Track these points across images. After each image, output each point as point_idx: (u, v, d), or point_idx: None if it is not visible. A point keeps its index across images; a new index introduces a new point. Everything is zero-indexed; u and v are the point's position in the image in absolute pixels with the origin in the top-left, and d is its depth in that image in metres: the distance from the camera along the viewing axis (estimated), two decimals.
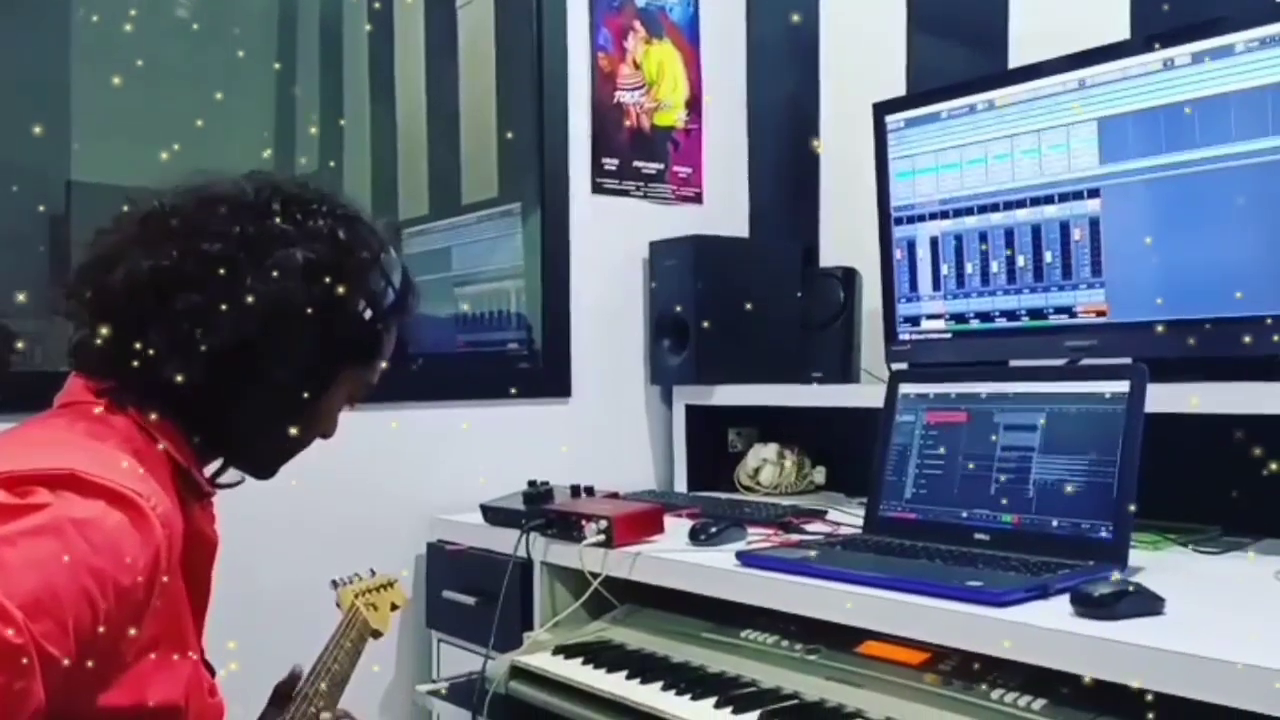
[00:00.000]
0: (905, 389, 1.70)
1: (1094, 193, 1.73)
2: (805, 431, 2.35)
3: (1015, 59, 2.08)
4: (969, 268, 1.92)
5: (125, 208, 1.07)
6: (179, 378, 0.98)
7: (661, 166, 2.53)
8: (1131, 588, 1.19)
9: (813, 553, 1.52)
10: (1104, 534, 1.39)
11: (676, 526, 1.78)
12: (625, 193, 2.48)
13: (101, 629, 0.82)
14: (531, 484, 1.93)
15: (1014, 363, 1.84)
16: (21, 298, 1.74)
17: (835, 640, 1.40)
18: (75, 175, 1.95)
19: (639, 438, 2.49)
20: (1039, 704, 1.18)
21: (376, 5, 2.47)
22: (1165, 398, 1.47)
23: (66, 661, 0.78)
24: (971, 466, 1.56)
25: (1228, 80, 1.57)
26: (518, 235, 2.45)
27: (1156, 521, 1.61)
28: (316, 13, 2.51)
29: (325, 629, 1.50)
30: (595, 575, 1.67)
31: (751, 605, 1.48)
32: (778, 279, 2.37)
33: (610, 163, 2.45)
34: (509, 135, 2.47)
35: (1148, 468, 1.39)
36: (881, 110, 2.05)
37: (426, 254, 2.54)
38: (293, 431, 1.12)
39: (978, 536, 1.51)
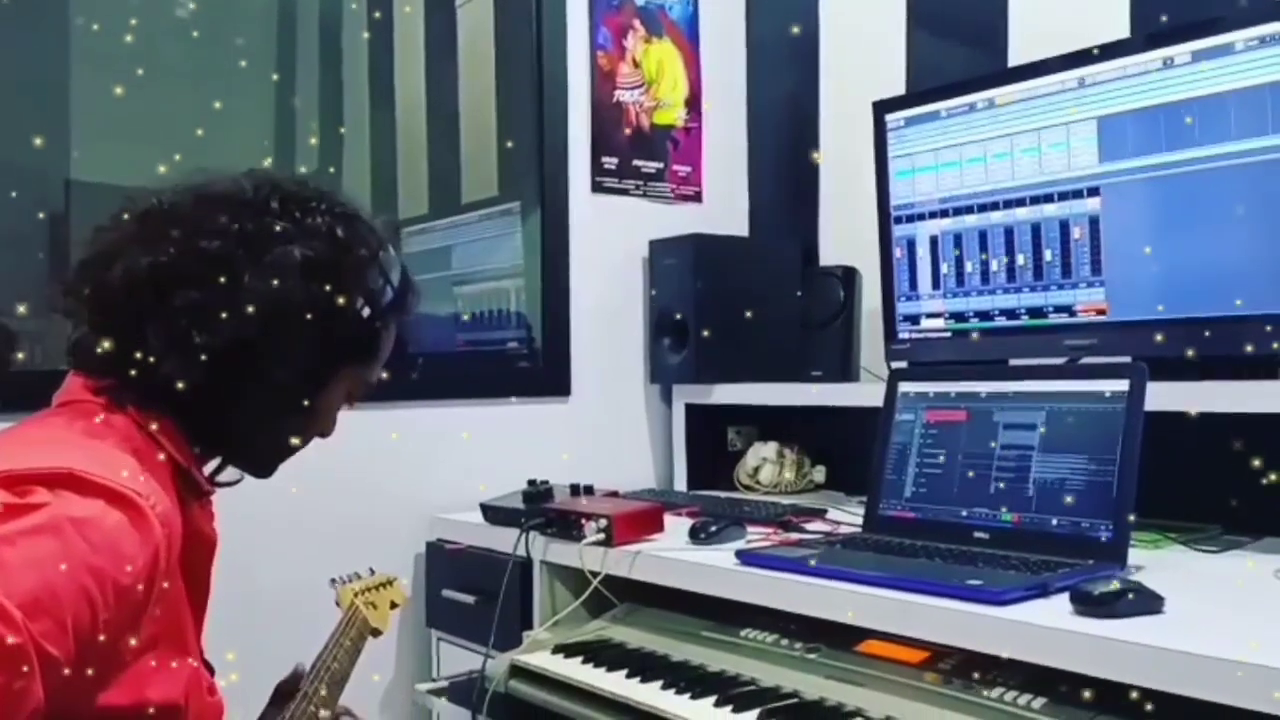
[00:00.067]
0: (905, 388, 1.70)
1: (1094, 191, 1.73)
2: (805, 430, 2.35)
3: (1015, 58, 2.08)
4: (968, 266, 1.92)
5: (125, 206, 1.07)
6: (177, 375, 0.98)
7: (661, 165, 2.53)
8: (1131, 586, 1.19)
9: (812, 552, 1.51)
10: (1104, 533, 1.39)
11: (676, 525, 1.78)
12: (625, 192, 2.48)
13: (101, 628, 0.82)
14: (531, 483, 1.93)
15: (1014, 361, 1.84)
16: (22, 309, 1.74)
17: (835, 639, 1.40)
18: (74, 175, 1.95)
19: (639, 437, 2.49)
20: (1038, 702, 1.18)
21: (377, 15, 2.47)
22: (1165, 396, 1.47)
23: (65, 661, 0.78)
24: (971, 465, 1.56)
25: (1227, 79, 1.57)
26: (517, 234, 2.45)
27: (1156, 520, 1.60)
28: (316, 13, 2.51)
29: (325, 628, 1.50)
30: (595, 574, 1.67)
31: (751, 604, 1.48)
32: (777, 278, 2.37)
33: (610, 162, 2.45)
34: (508, 134, 2.47)
35: (1147, 466, 1.39)
36: (881, 109, 2.05)
37: (426, 253, 2.54)
38: (291, 430, 1.12)
39: (977, 535, 1.51)
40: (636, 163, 2.49)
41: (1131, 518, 1.38)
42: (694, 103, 2.58)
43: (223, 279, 1.00)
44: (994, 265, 1.88)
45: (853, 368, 2.25)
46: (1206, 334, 1.58)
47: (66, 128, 1.95)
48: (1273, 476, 1.47)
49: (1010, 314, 1.86)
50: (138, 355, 0.99)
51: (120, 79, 1.84)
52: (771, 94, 2.63)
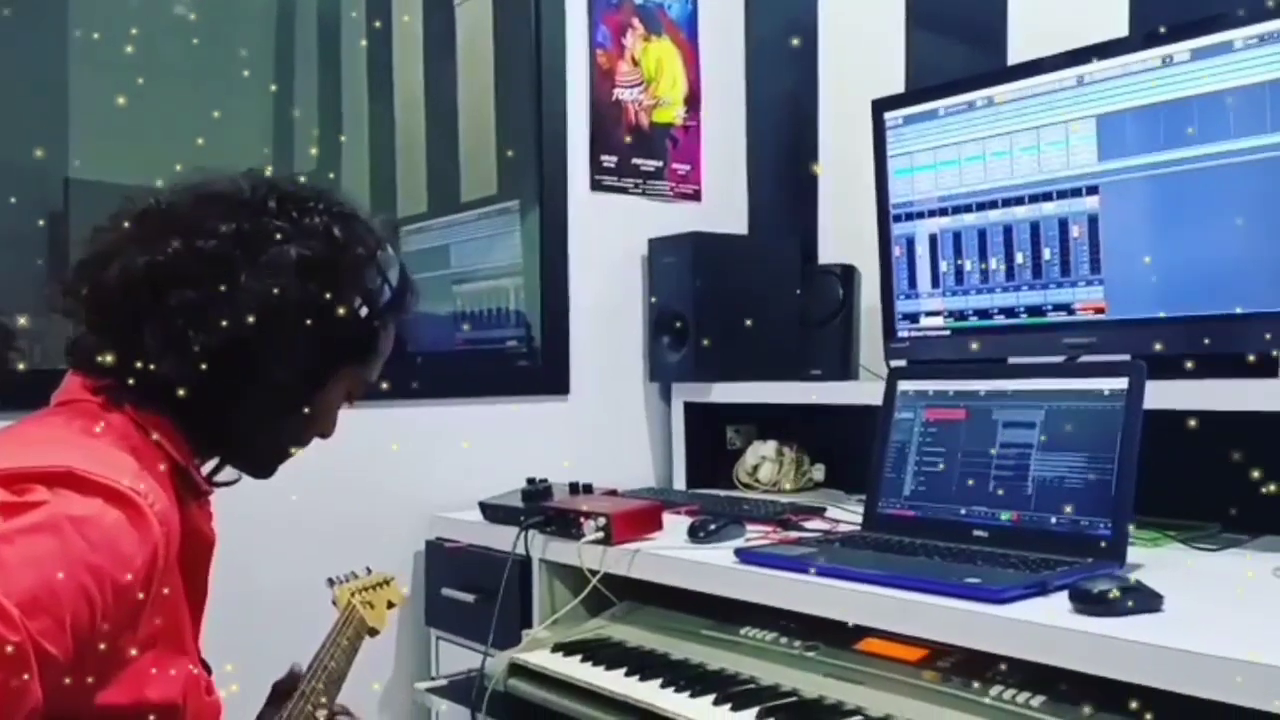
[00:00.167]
0: (904, 386, 1.70)
1: (1093, 189, 1.73)
2: (804, 429, 2.35)
3: (1014, 56, 2.07)
4: (968, 265, 1.92)
5: (123, 206, 1.07)
6: (174, 375, 0.98)
7: (660, 164, 2.53)
8: (1130, 585, 1.18)
9: (811, 550, 1.51)
10: (1103, 531, 1.39)
11: (675, 524, 1.78)
12: (624, 190, 2.48)
13: (99, 627, 0.82)
14: (530, 481, 1.93)
15: (1013, 360, 1.84)
16: (21, 315, 1.73)
17: (834, 637, 1.40)
18: (73, 174, 1.95)
19: (638, 435, 2.49)
20: (1037, 700, 1.18)
21: (377, 24, 2.47)
22: (1164, 395, 1.47)
23: (64, 659, 0.78)
24: (970, 464, 1.56)
25: (1227, 77, 1.56)
26: (516, 233, 2.45)
27: (1155, 518, 1.61)
28: (315, 11, 2.51)
29: (323, 628, 1.50)
30: (594, 572, 1.67)
31: (750, 602, 1.47)
32: (777, 276, 2.37)
33: (609, 160, 2.45)
34: (507, 133, 2.47)
35: (1146, 465, 1.39)
36: (880, 107, 2.04)
37: (425, 252, 2.54)
38: (291, 430, 1.12)
39: (976, 534, 1.51)
40: (635, 161, 2.49)
41: (1130, 506, 1.38)
42: (693, 101, 2.58)
43: (219, 279, 1.00)
44: (993, 263, 1.88)
45: (852, 366, 2.25)
46: (1205, 333, 1.58)
47: (66, 127, 1.95)
48: (1272, 475, 1.47)
49: (1009, 312, 1.86)
50: (135, 355, 0.99)
51: (119, 78, 1.83)
52: (770, 92, 2.63)
